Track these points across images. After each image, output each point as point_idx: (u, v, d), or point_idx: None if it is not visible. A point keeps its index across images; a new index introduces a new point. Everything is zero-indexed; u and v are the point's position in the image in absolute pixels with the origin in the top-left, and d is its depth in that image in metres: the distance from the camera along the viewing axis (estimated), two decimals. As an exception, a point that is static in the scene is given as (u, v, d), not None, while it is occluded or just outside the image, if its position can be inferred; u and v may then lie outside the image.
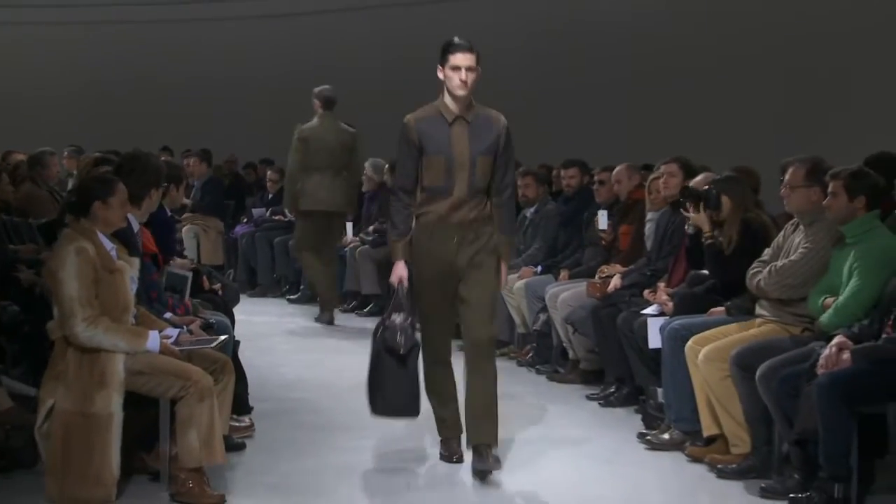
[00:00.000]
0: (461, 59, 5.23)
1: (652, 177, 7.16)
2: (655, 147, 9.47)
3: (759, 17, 11.19)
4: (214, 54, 16.21)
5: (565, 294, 7.47)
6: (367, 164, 11.07)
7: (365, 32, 15.00)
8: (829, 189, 5.23)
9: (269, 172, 12.80)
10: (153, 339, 4.86)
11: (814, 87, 10.72)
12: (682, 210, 6.12)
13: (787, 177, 5.56)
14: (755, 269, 5.63)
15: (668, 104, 11.85)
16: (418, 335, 5.42)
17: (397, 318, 5.30)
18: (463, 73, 5.23)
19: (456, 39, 5.27)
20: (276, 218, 12.22)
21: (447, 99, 5.31)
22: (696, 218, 6.02)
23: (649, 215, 7.18)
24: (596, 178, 8.05)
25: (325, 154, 9.73)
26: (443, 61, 5.28)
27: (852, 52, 10.34)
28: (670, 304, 6.22)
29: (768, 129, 10.84)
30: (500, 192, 5.38)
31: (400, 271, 5.36)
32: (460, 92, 5.24)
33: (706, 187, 6.04)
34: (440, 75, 5.31)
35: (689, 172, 6.72)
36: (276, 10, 15.79)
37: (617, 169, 7.75)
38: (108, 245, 4.87)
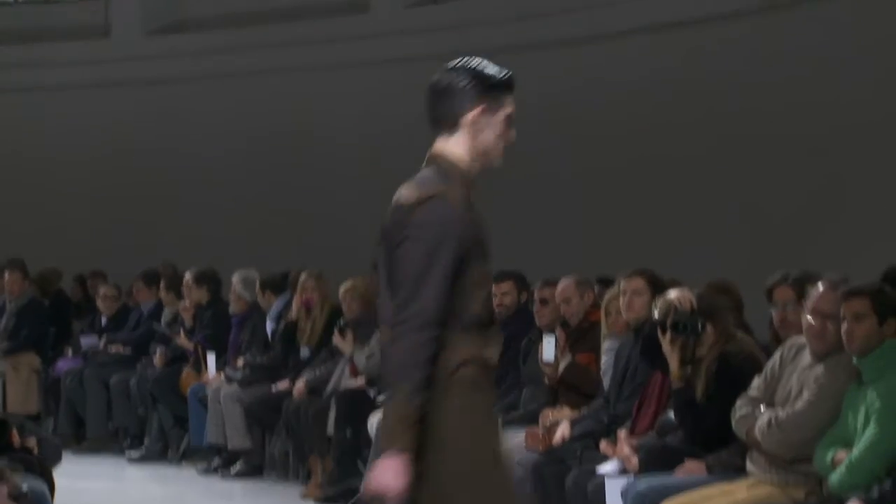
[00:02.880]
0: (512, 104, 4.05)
1: (610, 295, 7.20)
2: (611, 257, 9.55)
3: (736, 116, 11.55)
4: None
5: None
6: (234, 278, 11.01)
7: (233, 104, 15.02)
8: (850, 310, 5.23)
9: (102, 289, 12.65)
10: None
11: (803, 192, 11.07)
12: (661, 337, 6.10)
13: (815, 302, 5.46)
14: (743, 411, 5.66)
15: (625, 205, 12.03)
16: None
17: None
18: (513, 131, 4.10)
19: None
20: (114, 350, 12.05)
21: (466, 165, 4.05)
22: (670, 355, 6.04)
23: (606, 344, 7.20)
24: (536, 295, 8.07)
25: None
26: (491, 99, 4.01)
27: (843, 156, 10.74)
28: (634, 460, 6.19)
29: (745, 239, 11.09)
30: None
31: (399, 472, 3.90)
32: (499, 160, 4.10)
33: (691, 314, 6.04)
34: (474, 116, 4.00)
35: (658, 290, 6.77)
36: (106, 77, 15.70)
37: (562, 284, 7.76)
38: None
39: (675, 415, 6.13)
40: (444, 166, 3.99)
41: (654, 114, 11.96)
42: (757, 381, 5.73)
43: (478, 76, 3.99)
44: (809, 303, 5.55)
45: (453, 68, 4.02)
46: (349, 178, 13.50)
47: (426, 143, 4.05)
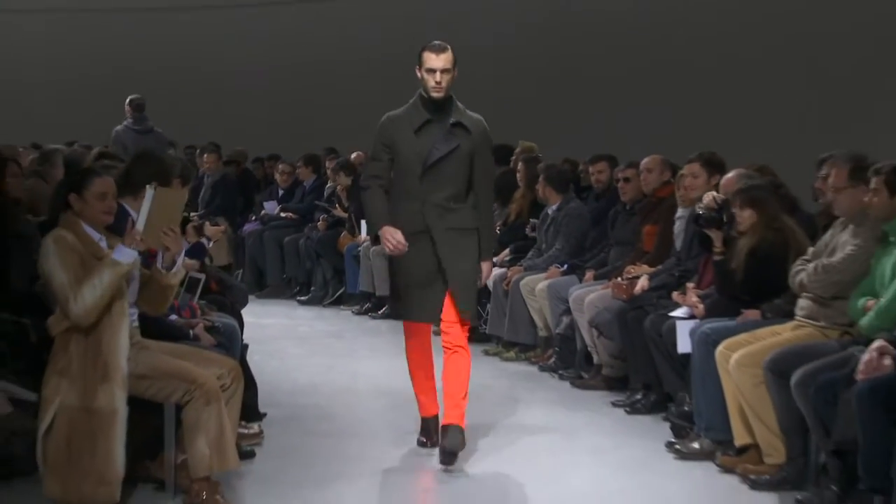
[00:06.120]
0: None
1: (681, 172, 7.13)
2: (689, 142, 9.49)
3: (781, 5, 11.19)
4: (215, 44, 16.14)
5: (591, 296, 7.47)
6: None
7: (365, 19, 14.98)
8: (872, 185, 5.22)
9: (280, 166, 12.86)
10: (117, 251, 4.73)
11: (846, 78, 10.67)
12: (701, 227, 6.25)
13: (830, 179, 5.53)
14: (798, 268, 5.63)
15: (690, 96, 11.84)
16: None
17: None
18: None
19: None
20: (286, 215, 12.29)
21: None
22: (714, 235, 6.14)
23: (679, 212, 7.14)
24: (619, 174, 8.04)
25: None
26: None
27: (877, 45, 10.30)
28: (701, 307, 6.20)
29: (795, 121, 10.81)
30: None
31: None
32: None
33: (720, 206, 6.13)
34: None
35: (715, 169, 6.75)
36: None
37: (648, 158, 7.71)
38: (96, 235, 4.83)
39: (714, 279, 6.21)
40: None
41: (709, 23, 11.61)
42: (811, 249, 5.71)
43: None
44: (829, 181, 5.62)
45: None
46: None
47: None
